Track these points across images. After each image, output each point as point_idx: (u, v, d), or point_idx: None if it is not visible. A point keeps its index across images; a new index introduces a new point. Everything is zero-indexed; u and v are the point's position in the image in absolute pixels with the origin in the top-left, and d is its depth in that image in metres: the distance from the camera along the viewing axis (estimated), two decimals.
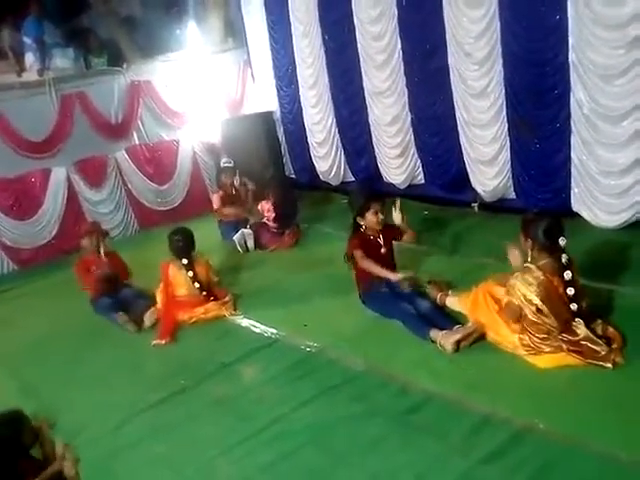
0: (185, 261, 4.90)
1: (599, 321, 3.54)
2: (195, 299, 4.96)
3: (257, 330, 4.62)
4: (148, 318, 4.97)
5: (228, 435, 3.35)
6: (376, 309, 4.44)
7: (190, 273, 4.90)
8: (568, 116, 5.27)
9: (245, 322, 4.79)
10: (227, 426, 3.45)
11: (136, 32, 9.37)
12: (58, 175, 7.73)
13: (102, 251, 5.37)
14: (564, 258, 3.39)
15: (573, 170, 5.41)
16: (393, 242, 4.60)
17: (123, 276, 5.50)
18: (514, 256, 3.59)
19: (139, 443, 3.45)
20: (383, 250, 4.47)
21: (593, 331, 3.42)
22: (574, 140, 5.31)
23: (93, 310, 5.42)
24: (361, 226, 4.47)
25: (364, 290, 4.54)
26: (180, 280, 4.94)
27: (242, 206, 7.09)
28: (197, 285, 4.93)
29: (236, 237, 6.59)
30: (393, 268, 4.54)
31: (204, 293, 4.97)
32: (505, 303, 3.59)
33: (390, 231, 4.54)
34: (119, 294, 5.39)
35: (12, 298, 6.54)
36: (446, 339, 3.75)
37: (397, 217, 4.51)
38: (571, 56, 5.07)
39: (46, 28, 8.40)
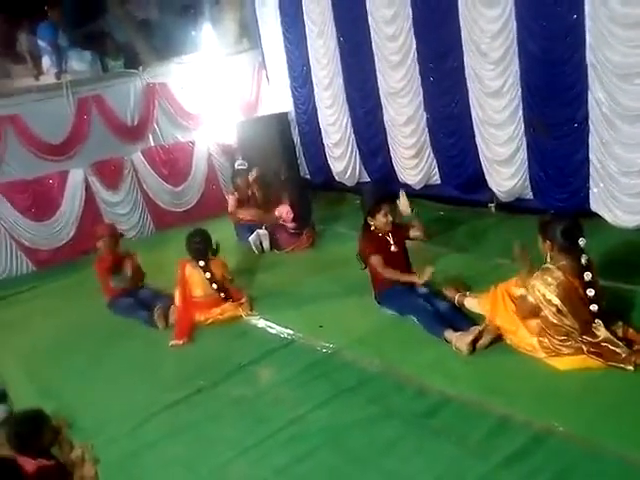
0: (202, 263, 4.92)
1: (620, 323, 3.50)
2: (211, 299, 4.99)
3: (273, 331, 4.63)
4: (172, 315, 5.00)
5: (245, 436, 3.36)
6: (392, 307, 4.43)
7: (207, 275, 4.91)
8: (586, 116, 5.21)
9: (261, 323, 4.80)
10: (244, 427, 3.47)
11: (152, 35, 9.43)
12: (76, 177, 7.81)
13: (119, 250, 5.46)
14: (584, 259, 3.36)
15: (591, 170, 5.35)
16: (405, 242, 4.56)
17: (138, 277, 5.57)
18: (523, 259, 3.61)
19: (157, 443, 3.47)
20: (394, 248, 4.46)
21: (613, 333, 3.38)
22: (592, 140, 5.24)
23: (112, 311, 5.47)
24: (371, 226, 4.46)
25: (379, 288, 4.53)
26: (196, 280, 4.97)
27: (257, 208, 7.10)
28: (215, 286, 4.95)
29: (251, 238, 6.60)
30: (408, 267, 4.52)
31: (222, 295, 4.99)
32: (520, 297, 3.56)
33: (400, 231, 4.50)
34: (137, 294, 5.44)
35: (31, 299, 6.62)
36: (461, 341, 3.72)
37: (404, 206, 4.43)
38: (589, 55, 5.01)
39: (62, 31, 8.48)
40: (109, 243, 5.47)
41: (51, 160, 7.73)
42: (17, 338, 5.48)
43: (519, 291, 3.70)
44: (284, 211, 6.64)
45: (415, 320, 4.14)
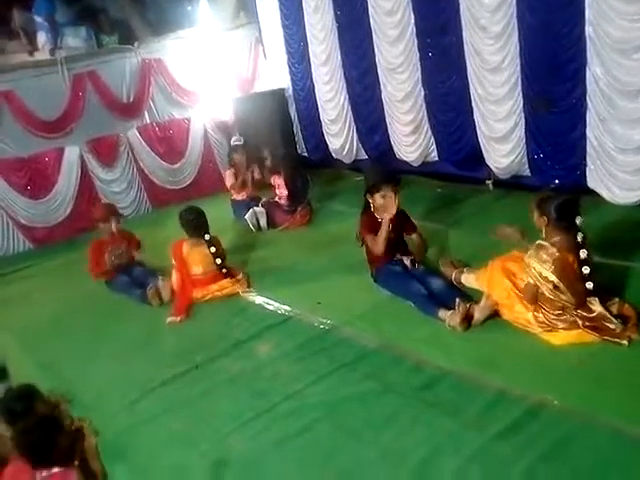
0: (207, 237, 4.90)
1: (616, 299, 3.51)
2: (210, 276, 4.98)
3: (271, 307, 4.64)
4: (164, 291, 5.01)
5: (243, 411, 3.38)
6: (387, 288, 4.43)
7: (212, 249, 4.89)
8: (584, 91, 5.17)
9: (259, 299, 4.81)
10: (242, 402, 3.49)
11: (147, 9, 9.33)
12: (71, 154, 7.77)
13: (115, 230, 5.43)
14: (579, 237, 3.36)
15: (589, 147, 5.33)
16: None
17: (134, 245, 5.55)
18: (506, 234, 3.62)
19: (155, 419, 3.50)
20: (391, 235, 4.38)
21: (608, 310, 3.40)
22: (590, 116, 5.22)
23: (109, 289, 5.48)
24: (370, 204, 4.43)
25: (376, 269, 4.52)
26: (195, 258, 4.94)
27: (254, 184, 7.09)
28: (219, 261, 4.93)
29: (247, 216, 6.59)
30: (402, 253, 4.47)
31: (224, 270, 4.98)
32: (524, 285, 3.56)
33: (401, 219, 4.45)
34: (132, 272, 5.44)
35: (29, 276, 6.63)
36: (453, 319, 3.74)
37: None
38: (588, 29, 4.95)
39: (57, 7, 8.37)
40: (112, 225, 5.41)
41: (46, 137, 7.69)
42: (16, 316, 5.49)
43: (516, 267, 3.69)
44: (278, 183, 6.63)
45: (411, 304, 4.15)
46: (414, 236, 4.53)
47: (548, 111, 5.47)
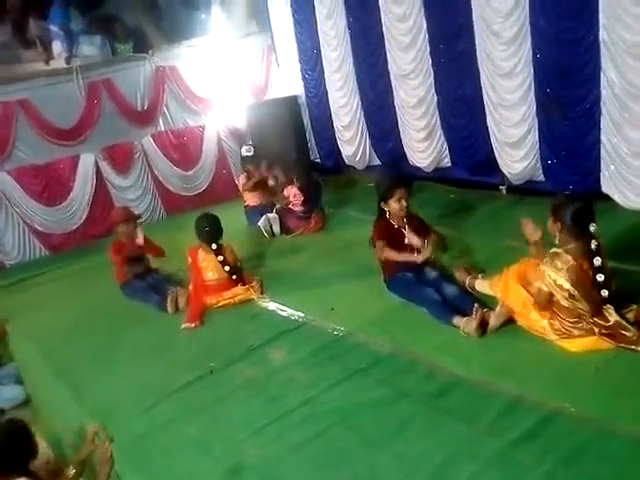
0: (214, 246, 4.94)
1: (633, 306, 3.48)
2: (224, 283, 5.00)
3: (284, 314, 4.65)
4: (181, 298, 5.05)
5: (257, 416, 3.38)
6: (400, 295, 4.41)
7: (220, 257, 4.94)
8: (598, 96, 5.15)
9: (272, 306, 4.82)
10: (256, 408, 3.49)
11: (161, 18, 9.40)
12: (86, 161, 7.86)
13: (137, 235, 5.44)
14: (593, 244, 3.33)
15: (603, 152, 5.30)
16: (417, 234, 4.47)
17: (158, 253, 5.57)
18: (529, 229, 3.56)
19: (170, 424, 3.51)
20: (407, 241, 4.39)
21: (624, 317, 3.37)
22: (604, 121, 5.19)
23: (124, 294, 5.50)
24: (385, 211, 4.43)
25: (389, 275, 4.51)
26: (210, 264, 4.97)
27: (267, 192, 7.12)
28: (227, 268, 4.96)
29: (260, 222, 6.61)
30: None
31: (234, 277, 5.01)
32: (535, 291, 3.55)
33: (416, 223, 4.44)
34: (148, 279, 5.47)
35: (44, 282, 6.70)
36: (469, 326, 3.72)
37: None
38: (602, 34, 4.94)
39: (72, 16, 8.47)
40: (130, 228, 5.44)
41: (62, 145, 7.78)
42: (33, 322, 5.53)
43: (531, 275, 3.68)
44: (292, 193, 6.65)
45: (424, 311, 4.13)
46: (430, 236, 4.48)
47: (562, 116, 5.45)
